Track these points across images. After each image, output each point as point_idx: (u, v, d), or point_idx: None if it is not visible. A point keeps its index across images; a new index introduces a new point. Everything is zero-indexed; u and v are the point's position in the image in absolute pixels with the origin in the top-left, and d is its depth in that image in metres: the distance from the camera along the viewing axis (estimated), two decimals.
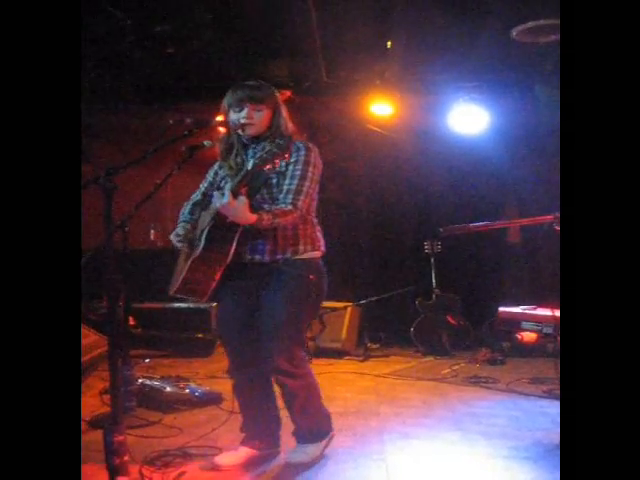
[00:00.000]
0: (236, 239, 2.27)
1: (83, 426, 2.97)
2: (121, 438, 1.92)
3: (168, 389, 3.36)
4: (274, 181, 2.32)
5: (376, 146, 5.64)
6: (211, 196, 2.53)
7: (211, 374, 4.18)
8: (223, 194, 2.14)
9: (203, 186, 2.61)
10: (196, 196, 2.62)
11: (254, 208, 2.24)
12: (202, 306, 4.96)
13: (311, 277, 2.35)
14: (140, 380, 3.44)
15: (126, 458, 1.93)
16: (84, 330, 3.97)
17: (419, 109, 5.35)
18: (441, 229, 4.97)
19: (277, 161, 2.17)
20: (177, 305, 5.06)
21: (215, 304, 4.81)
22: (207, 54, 4.41)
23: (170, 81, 4.94)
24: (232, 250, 2.27)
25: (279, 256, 2.34)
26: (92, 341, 3.93)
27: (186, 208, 2.60)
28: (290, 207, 2.27)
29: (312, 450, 2.49)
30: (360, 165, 5.74)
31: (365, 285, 5.71)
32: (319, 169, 2.39)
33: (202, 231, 2.32)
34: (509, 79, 5.04)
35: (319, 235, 2.46)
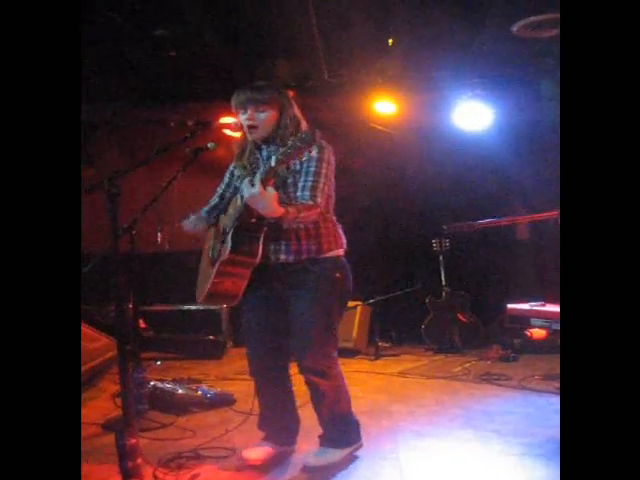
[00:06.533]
0: (262, 239, 2.24)
1: (97, 429, 2.99)
2: (133, 441, 1.94)
3: (180, 391, 3.37)
4: (289, 181, 2.29)
5: (380, 144, 5.63)
6: (230, 199, 2.45)
7: (223, 376, 4.19)
8: (253, 184, 2.06)
9: (220, 188, 2.58)
10: (214, 200, 2.58)
11: None
12: (213, 308, 4.96)
13: (337, 275, 2.35)
14: (152, 383, 3.44)
15: (139, 461, 1.95)
16: (95, 334, 3.99)
17: (422, 107, 5.33)
18: (444, 227, 4.97)
19: (302, 155, 2.09)
20: (188, 307, 5.05)
21: (225, 306, 4.86)
22: (208, 56, 4.42)
23: (172, 83, 4.95)
24: (260, 250, 2.24)
25: (304, 255, 2.31)
26: (103, 344, 3.95)
27: (203, 210, 2.56)
28: (311, 202, 2.23)
29: (331, 455, 2.43)
30: (365, 164, 5.73)
31: (374, 284, 5.69)
32: (332, 166, 2.36)
33: (226, 233, 2.27)
34: (513, 75, 5.01)
35: (340, 233, 2.44)
